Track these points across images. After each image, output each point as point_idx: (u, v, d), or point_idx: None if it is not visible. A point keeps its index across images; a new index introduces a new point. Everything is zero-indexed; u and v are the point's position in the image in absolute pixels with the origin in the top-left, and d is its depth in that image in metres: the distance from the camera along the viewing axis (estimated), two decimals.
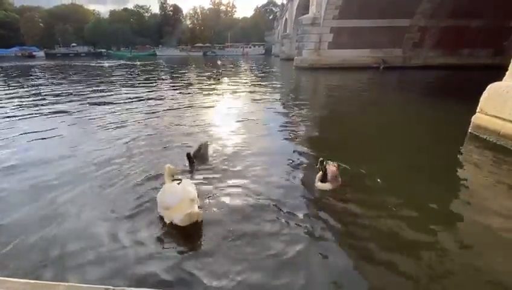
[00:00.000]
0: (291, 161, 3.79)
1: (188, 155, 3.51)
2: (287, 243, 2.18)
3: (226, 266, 1.96)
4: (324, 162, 2.91)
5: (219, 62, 29.52)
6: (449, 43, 20.09)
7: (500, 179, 3.37)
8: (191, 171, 3.46)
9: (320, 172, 2.94)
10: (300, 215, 2.55)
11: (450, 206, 2.75)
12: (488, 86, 4.82)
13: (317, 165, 2.92)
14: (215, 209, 2.66)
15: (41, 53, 58.13)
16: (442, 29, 19.58)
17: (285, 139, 4.80)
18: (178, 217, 2.24)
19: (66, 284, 1.49)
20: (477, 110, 4.93)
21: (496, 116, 4.53)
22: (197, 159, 3.61)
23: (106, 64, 26.70)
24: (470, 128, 4.98)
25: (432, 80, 14.73)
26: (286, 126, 5.71)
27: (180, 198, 2.33)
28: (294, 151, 4.20)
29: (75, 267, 1.98)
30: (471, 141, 4.69)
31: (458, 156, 4.12)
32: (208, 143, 3.91)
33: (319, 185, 2.95)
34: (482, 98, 4.88)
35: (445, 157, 4.07)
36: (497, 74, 4.97)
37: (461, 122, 5.20)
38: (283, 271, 1.93)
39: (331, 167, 3.03)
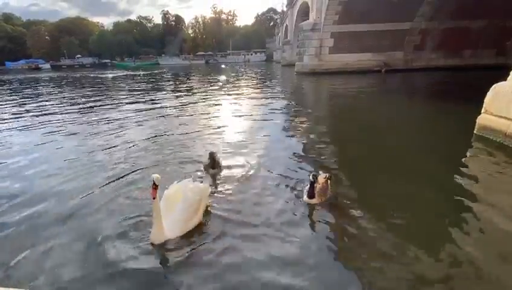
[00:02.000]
0: (288, 171, 3.69)
1: (212, 155, 3.52)
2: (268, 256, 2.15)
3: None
4: (315, 176, 2.79)
5: (223, 66, 29.47)
6: (451, 44, 20.03)
7: (508, 180, 3.30)
8: (214, 173, 3.51)
9: (308, 186, 2.84)
10: (281, 228, 2.48)
11: (455, 209, 2.68)
12: (493, 86, 4.77)
13: (313, 177, 2.78)
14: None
15: (47, 65, 59.41)
16: (443, 31, 19.56)
17: (285, 147, 4.72)
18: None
19: None
20: (482, 111, 4.87)
21: (502, 116, 4.47)
22: (209, 166, 3.60)
23: (110, 75, 26.88)
24: (475, 129, 4.92)
25: (434, 81, 14.67)
26: (286, 133, 5.67)
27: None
28: (292, 159, 4.13)
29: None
30: (477, 142, 4.62)
31: (464, 157, 4.05)
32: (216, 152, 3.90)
33: (305, 199, 2.85)
34: (486, 99, 4.82)
35: (451, 159, 4.00)
36: (501, 74, 4.92)
37: (466, 123, 5.14)
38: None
39: (320, 180, 2.92)
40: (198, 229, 2.43)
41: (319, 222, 2.59)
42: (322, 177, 2.99)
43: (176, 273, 1.99)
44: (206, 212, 2.65)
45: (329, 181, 3.00)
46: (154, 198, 2.11)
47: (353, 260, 2.10)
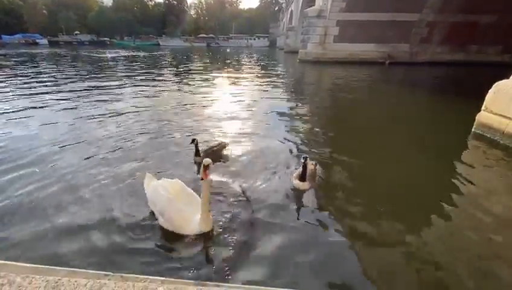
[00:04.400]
0: (285, 158, 3.73)
1: (193, 141, 3.42)
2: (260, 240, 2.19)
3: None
4: (306, 160, 2.78)
5: (228, 50, 28.51)
6: (457, 39, 19.70)
7: (502, 179, 3.35)
8: (197, 158, 3.44)
9: (299, 170, 2.84)
10: (270, 214, 2.50)
11: (448, 206, 2.74)
12: (495, 84, 4.76)
13: (303, 162, 2.77)
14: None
15: (44, 41, 57.82)
16: (451, 24, 19.17)
17: (284, 136, 4.68)
18: None
19: (67, 269, 1.52)
20: (482, 108, 4.87)
21: (501, 115, 4.48)
22: (209, 155, 3.48)
23: (108, 55, 26.10)
24: (473, 126, 4.94)
25: (438, 76, 14.53)
26: (286, 123, 5.60)
27: None
28: (290, 149, 4.13)
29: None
30: (475, 139, 4.66)
31: (460, 154, 4.09)
32: (226, 144, 3.84)
33: (296, 183, 2.86)
34: (487, 96, 4.81)
35: (447, 155, 4.05)
36: (505, 72, 4.89)
37: (465, 120, 5.15)
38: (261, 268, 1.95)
39: (309, 166, 2.95)
40: None
41: (311, 206, 2.65)
42: (310, 163, 3.05)
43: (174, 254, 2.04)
44: None
45: (316, 167, 3.08)
46: (202, 179, 2.06)
47: (343, 244, 2.17)
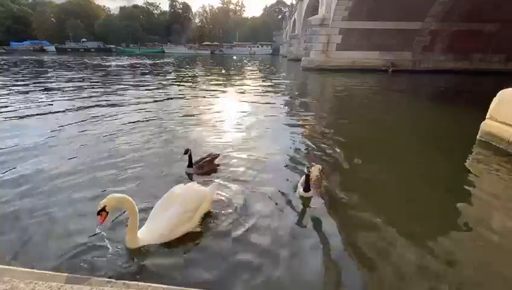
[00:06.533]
0: (288, 167, 3.71)
1: (187, 152, 3.33)
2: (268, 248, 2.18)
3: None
4: (309, 169, 2.79)
5: (235, 57, 28.89)
6: (460, 47, 19.76)
7: (507, 188, 3.31)
8: (190, 169, 3.39)
9: (303, 179, 2.82)
10: (277, 228, 2.44)
11: (452, 215, 2.70)
12: (499, 92, 4.74)
13: (308, 171, 2.76)
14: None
15: (52, 47, 59.13)
16: (454, 33, 19.27)
17: (287, 144, 4.68)
18: None
19: (70, 275, 1.52)
20: (486, 117, 4.85)
21: (506, 123, 4.45)
22: (201, 167, 3.45)
23: (113, 63, 26.24)
24: (478, 134, 4.91)
25: (441, 84, 14.53)
26: (289, 130, 5.58)
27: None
28: (294, 156, 4.11)
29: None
30: (479, 148, 4.61)
31: (465, 162, 4.06)
32: (217, 155, 3.73)
33: (301, 192, 2.83)
34: (492, 104, 4.80)
35: (451, 164, 4.01)
36: (509, 80, 4.89)
37: (470, 128, 5.12)
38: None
39: (315, 171, 2.95)
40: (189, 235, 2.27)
41: (316, 215, 2.63)
42: (316, 168, 3.06)
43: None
44: (206, 216, 2.49)
45: (322, 173, 3.08)
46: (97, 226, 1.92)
47: (345, 251, 2.15)
